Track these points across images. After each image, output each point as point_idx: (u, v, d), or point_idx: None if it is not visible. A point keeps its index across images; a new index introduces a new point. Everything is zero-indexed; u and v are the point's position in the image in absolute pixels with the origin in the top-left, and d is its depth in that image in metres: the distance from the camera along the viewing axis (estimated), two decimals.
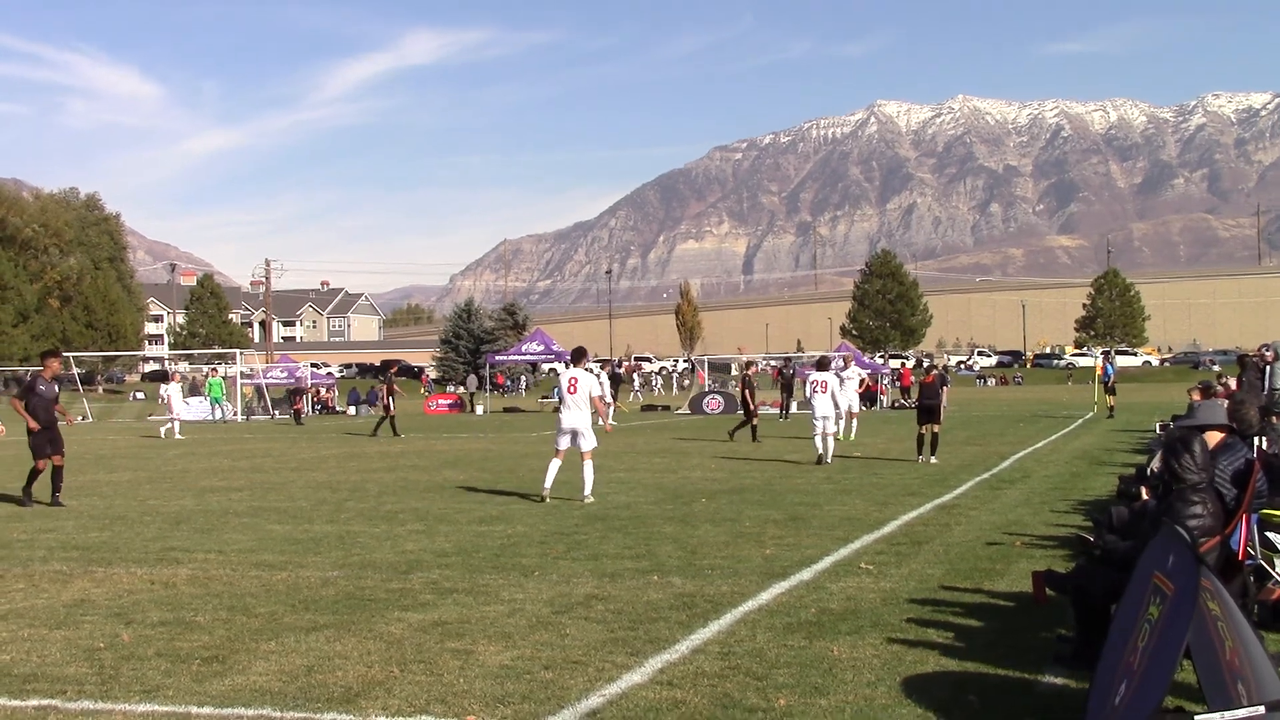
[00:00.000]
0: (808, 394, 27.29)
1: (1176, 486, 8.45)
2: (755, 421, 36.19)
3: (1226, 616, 6.53)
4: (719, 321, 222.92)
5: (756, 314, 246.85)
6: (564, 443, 19.56)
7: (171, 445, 39.15)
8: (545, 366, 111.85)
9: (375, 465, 28.48)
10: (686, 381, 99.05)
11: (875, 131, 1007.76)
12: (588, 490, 19.34)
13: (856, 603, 10.82)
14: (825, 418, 26.52)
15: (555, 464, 19.69)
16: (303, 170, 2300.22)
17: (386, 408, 43.94)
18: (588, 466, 19.48)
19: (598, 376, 35.09)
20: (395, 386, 45.48)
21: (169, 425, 45.43)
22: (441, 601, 11.20)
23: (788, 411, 53.57)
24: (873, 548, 14.15)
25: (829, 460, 25.75)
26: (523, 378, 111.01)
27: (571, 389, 19.49)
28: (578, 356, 20.19)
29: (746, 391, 37.70)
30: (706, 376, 78.11)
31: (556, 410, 20.35)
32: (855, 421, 35.36)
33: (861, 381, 39.27)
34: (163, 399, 51.79)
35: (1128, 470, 20.96)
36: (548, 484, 19.56)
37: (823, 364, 28.37)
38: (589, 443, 19.49)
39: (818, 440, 26.40)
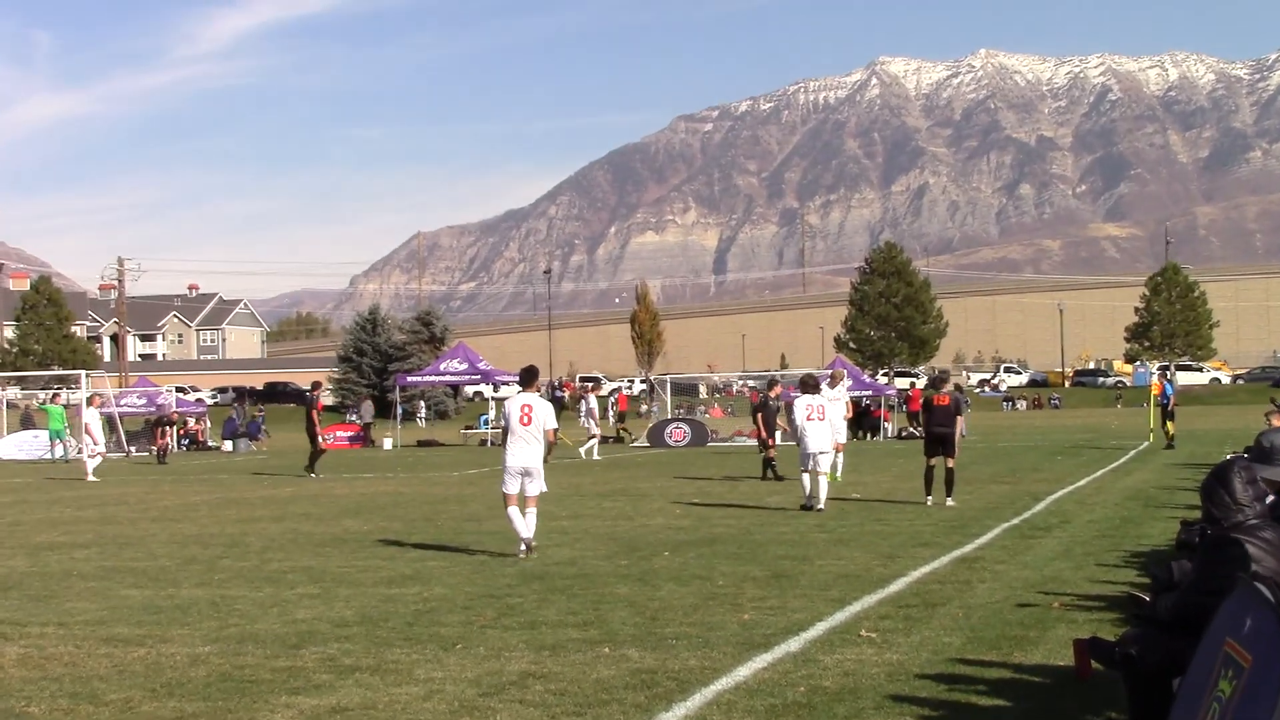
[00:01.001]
0: (796, 422, 27.03)
1: (1211, 533, 8.49)
2: (771, 455, 36.36)
3: None
4: (684, 332, 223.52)
5: (730, 323, 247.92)
6: (515, 486, 19.43)
7: None
8: (469, 390, 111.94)
9: (258, 514, 28.38)
10: (644, 407, 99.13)
11: (877, 95, 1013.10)
12: (530, 534, 19.41)
13: (856, 679, 10.85)
14: (820, 453, 26.37)
15: (516, 512, 19.50)
16: (164, 145, 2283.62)
17: (312, 437, 43.83)
18: (531, 515, 19.50)
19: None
20: (316, 414, 45.28)
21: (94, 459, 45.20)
22: (341, 683, 11.17)
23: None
24: (876, 611, 14.20)
25: (821, 505, 25.68)
26: (421, 405, 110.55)
27: (525, 419, 19.36)
28: (529, 378, 20.15)
29: (761, 418, 37.85)
30: (669, 401, 78.15)
31: (495, 444, 20.33)
32: (842, 456, 34.27)
33: (848, 405, 38.94)
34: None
35: (1192, 513, 21.11)
36: (524, 533, 19.43)
37: (809, 384, 28.29)
38: (538, 486, 19.48)
39: (806, 480, 26.23)
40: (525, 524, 19.36)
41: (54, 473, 48.83)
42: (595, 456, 49.19)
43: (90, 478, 43.41)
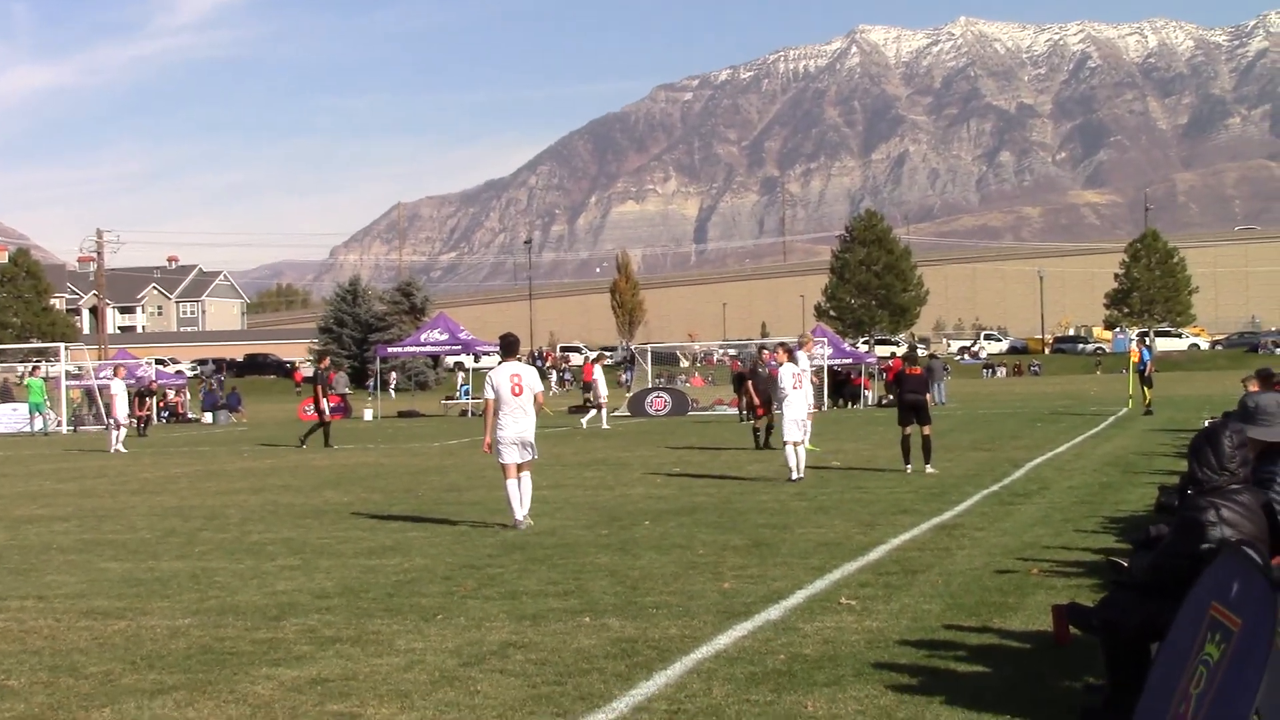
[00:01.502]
0: (779, 391, 26.83)
1: (1191, 494, 8.49)
2: (757, 423, 36.63)
3: None
4: (665, 302, 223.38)
5: (712, 292, 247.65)
6: (514, 455, 19.21)
7: None
8: (450, 360, 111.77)
9: (238, 486, 28.34)
10: (625, 376, 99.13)
11: (857, 64, 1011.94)
12: (526, 509, 19.30)
13: (836, 647, 10.85)
14: (799, 421, 26.11)
15: (514, 485, 19.29)
16: (144, 117, 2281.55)
17: (321, 412, 43.72)
18: (526, 480, 19.37)
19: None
20: (324, 387, 45.22)
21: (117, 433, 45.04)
22: (321, 654, 11.15)
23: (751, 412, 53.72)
24: (856, 579, 14.20)
25: (802, 474, 25.55)
26: (393, 376, 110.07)
27: (516, 389, 19.19)
28: (511, 348, 19.92)
29: (751, 385, 38.04)
30: (650, 370, 78.15)
31: (476, 415, 20.18)
32: (810, 424, 33.89)
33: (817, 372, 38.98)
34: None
35: (1170, 479, 21.15)
36: (519, 513, 19.24)
37: (790, 353, 28.26)
38: (534, 453, 19.47)
39: (790, 452, 25.93)
40: (522, 494, 19.28)
41: (33, 445, 48.70)
42: (604, 425, 49.08)
43: (117, 447, 43.39)
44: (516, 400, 19.15)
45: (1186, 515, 8.33)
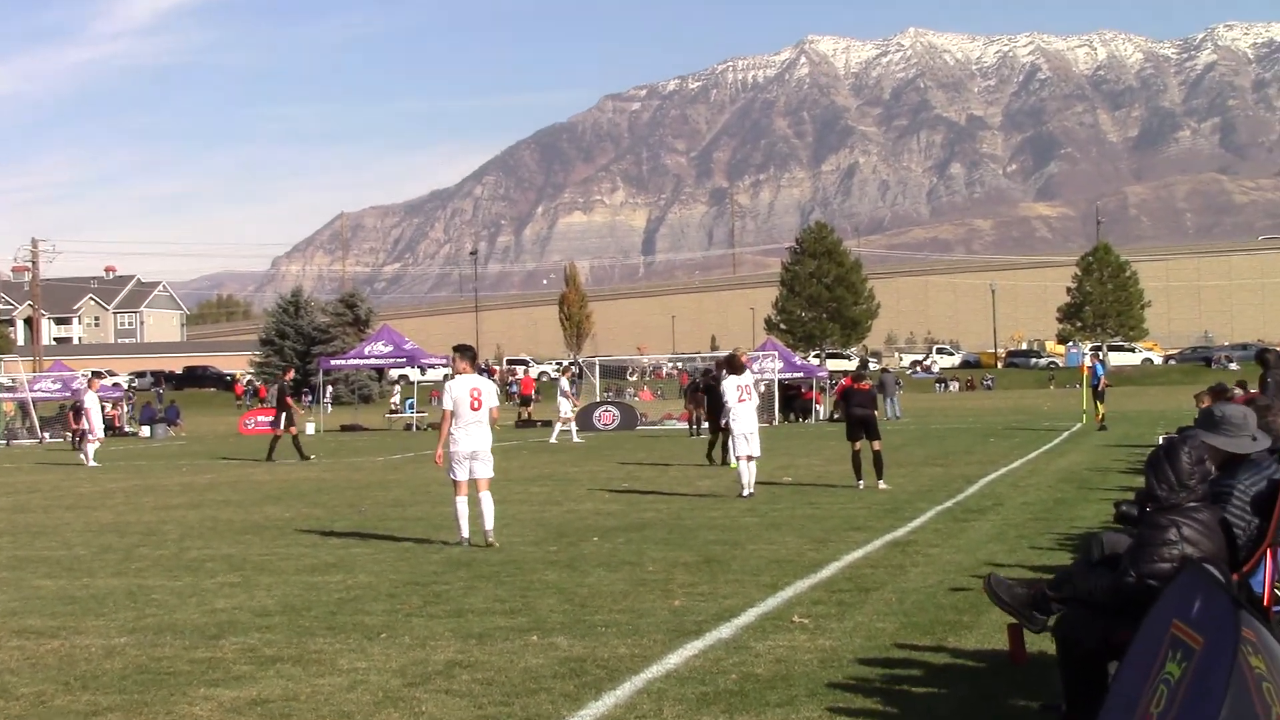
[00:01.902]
0: (730, 402, 26.61)
1: (1150, 511, 8.48)
2: (711, 436, 36.42)
3: (1275, 675, 6.29)
4: (614, 314, 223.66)
5: (660, 304, 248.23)
6: (465, 472, 18.94)
7: None
8: (394, 373, 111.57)
9: (176, 501, 28.20)
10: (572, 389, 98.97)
11: (806, 74, 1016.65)
12: (490, 525, 18.94)
13: (788, 666, 10.82)
14: (749, 434, 25.96)
15: (463, 503, 19.04)
16: (82, 124, 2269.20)
17: (290, 421, 43.49)
18: (487, 499, 19.01)
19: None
20: (290, 399, 45.00)
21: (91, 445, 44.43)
22: (261, 674, 11.07)
23: (700, 426, 53.77)
24: (808, 596, 14.19)
25: (752, 490, 25.48)
26: (327, 390, 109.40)
27: (475, 403, 18.96)
28: (473, 356, 19.77)
29: (698, 397, 37.90)
30: (598, 383, 78.14)
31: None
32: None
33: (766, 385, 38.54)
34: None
35: (1125, 494, 21.23)
36: (465, 531, 18.98)
37: (734, 364, 27.61)
38: (487, 469, 19.09)
39: (743, 468, 25.78)
40: (484, 514, 18.91)
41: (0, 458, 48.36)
42: (576, 440, 49.06)
43: (90, 463, 42.80)
44: (474, 415, 18.93)
45: (1145, 533, 8.33)
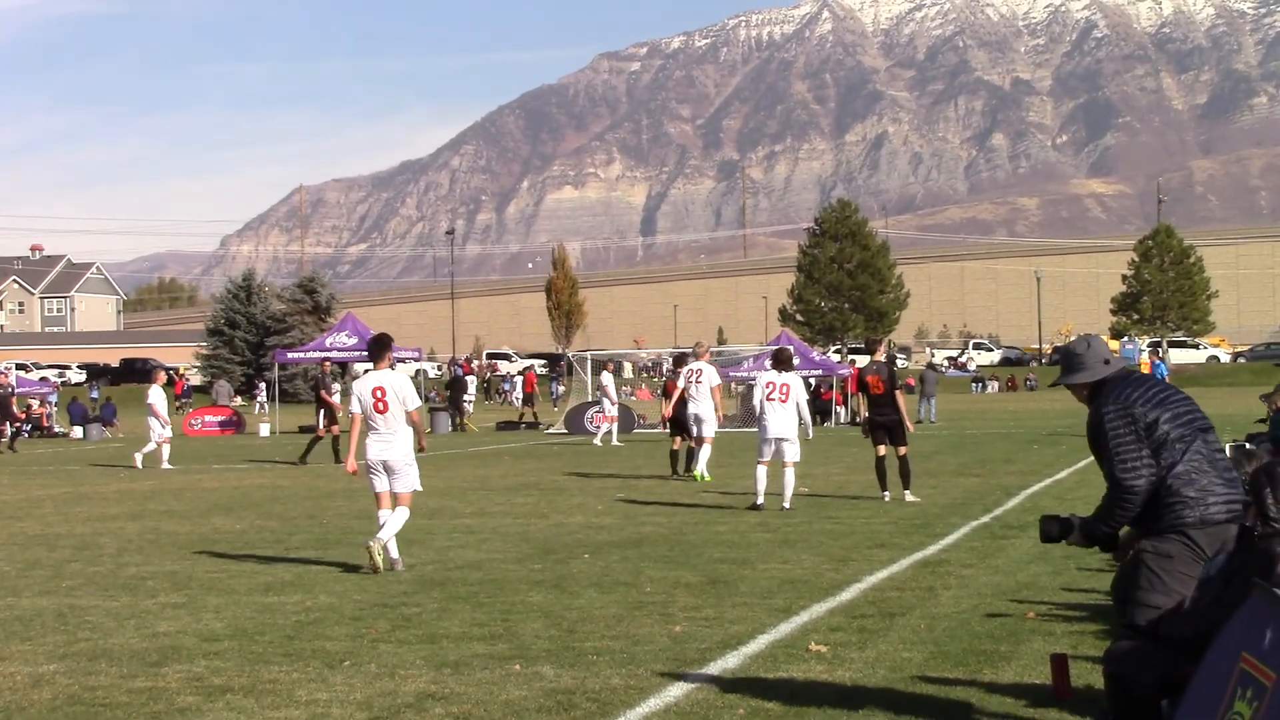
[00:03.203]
0: (756, 404, 26.49)
1: (1263, 531, 8.51)
2: (677, 446, 35.05)
3: None
4: (608, 302, 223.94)
5: (661, 292, 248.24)
6: (382, 484, 18.68)
7: None
8: (359, 368, 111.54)
9: (113, 511, 28.24)
10: (561, 387, 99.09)
11: (829, 31, 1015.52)
12: (389, 538, 18.44)
13: (803, 700, 10.87)
14: (780, 439, 25.55)
15: (386, 515, 18.72)
16: (3, 83, 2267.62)
17: (331, 420, 43.38)
18: (399, 514, 18.63)
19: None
20: (329, 394, 44.77)
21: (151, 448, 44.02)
22: (209, 705, 11.13)
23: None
24: (826, 622, 14.26)
25: (787, 503, 25.40)
26: (261, 388, 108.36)
27: (380, 404, 18.55)
28: (380, 350, 19.18)
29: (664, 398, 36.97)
30: (590, 381, 78.08)
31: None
32: (708, 448, 33.61)
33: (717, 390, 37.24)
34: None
35: None
36: (384, 536, 18.55)
37: (782, 359, 27.16)
38: (407, 482, 18.77)
39: (760, 473, 25.66)
40: (386, 525, 18.40)
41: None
42: (615, 442, 49.07)
43: (165, 465, 42.45)
44: (380, 417, 18.49)
45: (1255, 565, 8.28)
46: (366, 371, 19.29)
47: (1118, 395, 9.54)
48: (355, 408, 18.83)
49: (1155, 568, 9.13)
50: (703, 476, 31.24)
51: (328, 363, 50.27)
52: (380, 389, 18.48)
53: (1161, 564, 9.12)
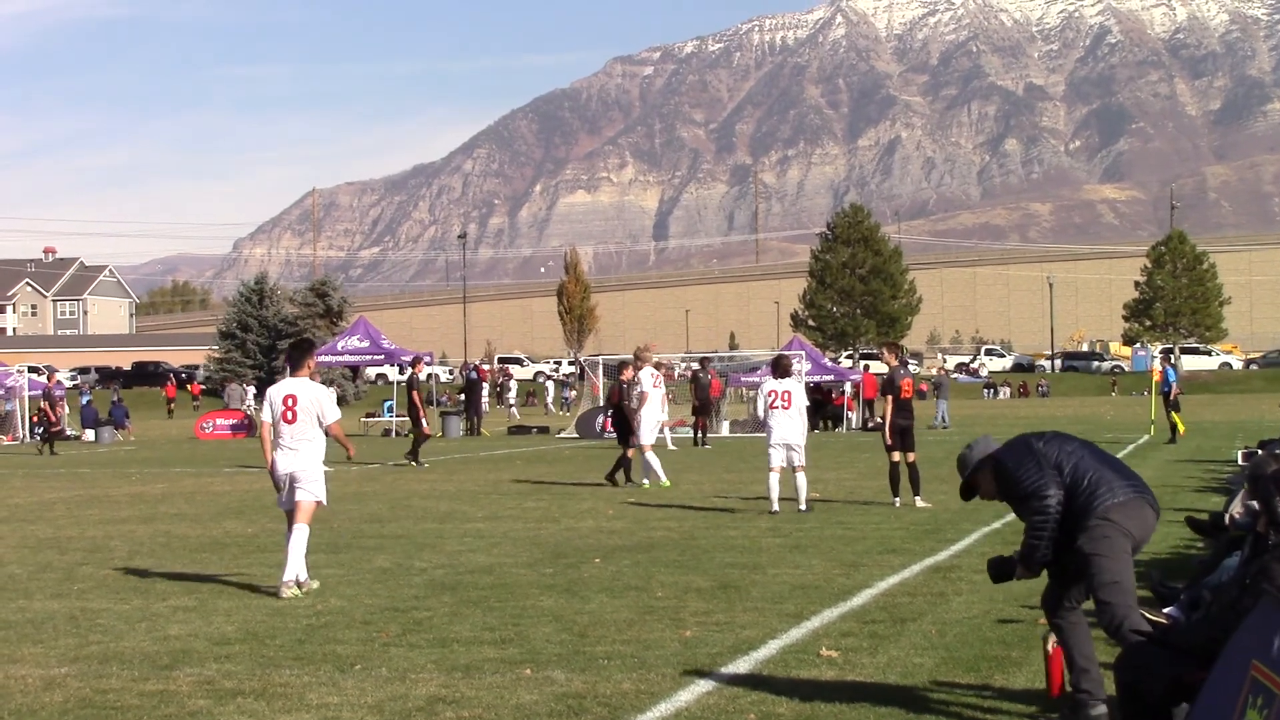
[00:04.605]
0: (760, 410, 26.56)
1: (1275, 539, 8.50)
2: (630, 452, 34.11)
3: None
4: (620, 307, 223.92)
5: (673, 296, 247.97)
6: (288, 499, 17.56)
7: None
8: (371, 372, 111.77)
9: (124, 514, 28.21)
10: (573, 392, 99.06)
11: (843, 36, 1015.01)
12: (288, 575, 17.05)
13: (814, 706, 10.88)
14: (789, 445, 25.77)
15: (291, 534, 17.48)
16: (18, 86, 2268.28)
17: (417, 423, 43.37)
18: (299, 532, 17.25)
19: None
20: (418, 394, 44.56)
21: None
22: (220, 709, 11.13)
23: (705, 434, 53.70)
24: (837, 627, 14.26)
25: (803, 506, 25.51)
26: (248, 391, 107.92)
27: (289, 414, 17.39)
28: (299, 356, 18.13)
29: (622, 403, 35.69)
30: (602, 385, 78.07)
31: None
32: (653, 455, 33.23)
33: (662, 397, 36.69)
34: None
35: (1199, 514, 21.21)
36: (288, 572, 17.10)
37: (781, 367, 27.41)
38: (311, 489, 17.56)
39: (773, 479, 25.75)
40: (289, 548, 17.11)
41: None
42: (671, 446, 48.75)
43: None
44: (287, 427, 17.31)
45: (1272, 565, 8.26)
46: (281, 379, 18.29)
47: (1009, 445, 10.47)
48: (267, 415, 17.52)
49: (1100, 550, 9.86)
50: (646, 484, 31.64)
51: (420, 363, 50.08)
52: (292, 397, 17.38)
53: (1101, 545, 9.87)
